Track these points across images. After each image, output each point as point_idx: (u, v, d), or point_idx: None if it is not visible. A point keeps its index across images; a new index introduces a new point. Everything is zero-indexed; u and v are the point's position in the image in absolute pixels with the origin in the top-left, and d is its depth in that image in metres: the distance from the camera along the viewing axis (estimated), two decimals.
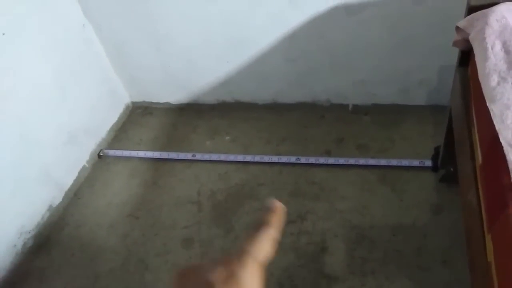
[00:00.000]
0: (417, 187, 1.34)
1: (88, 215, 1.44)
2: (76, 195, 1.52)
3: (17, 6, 1.25)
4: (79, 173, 1.55)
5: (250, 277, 0.26)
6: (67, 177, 1.51)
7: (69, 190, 1.50)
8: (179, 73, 1.69)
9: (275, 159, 1.50)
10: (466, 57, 0.92)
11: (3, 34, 1.21)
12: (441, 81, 1.48)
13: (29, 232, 1.35)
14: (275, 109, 1.71)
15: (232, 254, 0.27)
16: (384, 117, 1.60)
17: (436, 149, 1.34)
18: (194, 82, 1.72)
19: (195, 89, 1.75)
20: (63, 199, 1.47)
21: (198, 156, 1.56)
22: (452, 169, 1.25)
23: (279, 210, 0.30)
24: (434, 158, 1.35)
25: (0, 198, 1.24)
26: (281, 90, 1.67)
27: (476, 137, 0.76)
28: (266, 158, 1.50)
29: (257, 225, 0.29)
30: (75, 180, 1.53)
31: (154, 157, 1.60)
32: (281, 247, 1.24)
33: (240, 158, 1.52)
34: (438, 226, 1.22)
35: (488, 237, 0.62)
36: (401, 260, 1.16)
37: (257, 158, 1.51)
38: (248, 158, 1.52)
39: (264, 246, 0.28)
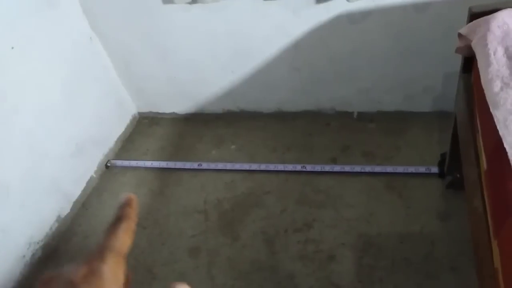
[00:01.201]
0: (424, 194, 1.33)
1: (96, 225, 1.45)
2: (84, 205, 1.53)
3: (26, 20, 1.28)
4: (87, 183, 1.57)
5: (110, 269, 0.27)
6: (75, 188, 1.52)
7: (77, 200, 1.52)
8: (185, 84, 1.71)
9: (280, 167, 1.50)
10: (469, 64, 0.92)
11: (12, 48, 1.23)
12: (446, 87, 1.48)
13: (38, 243, 1.36)
14: (280, 117, 1.72)
15: (93, 252, 0.28)
16: (389, 124, 1.60)
17: (442, 156, 1.34)
18: (200, 92, 1.74)
19: (200, 99, 1.76)
20: (71, 209, 1.49)
21: (204, 165, 1.57)
22: (458, 175, 1.24)
23: (132, 202, 0.32)
24: (441, 164, 1.35)
25: (10, 209, 1.26)
26: (286, 98, 1.68)
27: (480, 142, 0.76)
28: (271, 167, 1.51)
29: (114, 220, 0.30)
30: (83, 191, 1.54)
31: (160, 166, 1.62)
32: (288, 255, 1.24)
33: (246, 166, 1.53)
34: (446, 233, 1.21)
35: (494, 243, 0.62)
36: (409, 268, 1.15)
37: (263, 167, 1.51)
38: (254, 166, 1.52)
39: (122, 238, 0.29)
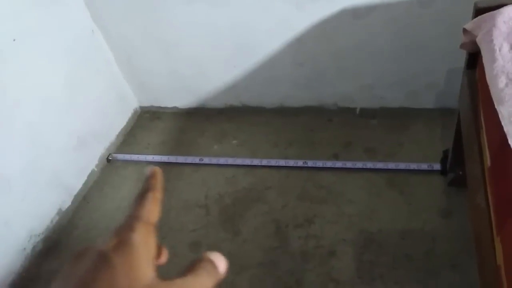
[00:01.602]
0: (425, 191, 1.33)
1: (97, 219, 1.46)
2: (85, 199, 1.53)
3: (27, 12, 1.28)
4: (88, 177, 1.57)
5: (140, 238, 0.26)
6: (77, 181, 1.52)
7: (78, 194, 1.52)
8: (187, 78, 1.71)
9: (282, 162, 1.50)
10: (474, 60, 0.91)
11: (14, 40, 1.23)
12: (449, 83, 1.47)
13: (39, 236, 1.36)
14: (283, 113, 1.71)
15: (121, 223, 0.28)
16: (392, 120, 1.59)
17: (445, 153, 1.33)
18: (202, 86, 1.73)
19: (203, 93, 1.76)
20: (72, 202, 1.49)
21: (206, 160, 1.57)
22: (461, 173, 1.24)
23: (157, 173, 0.32)
24: (443, 161, 1.34)
25: (11, 201, 1.26)
26: (288, 94, 1.67)
27: (484, 139, 0.76)
28: (273, 162, 1.50)
29: (140, 192, 0.30)
30: (84, 184, 1.54)
31: (162, 161, 1.61)
32: (289, 250, 1.23)
33: (247, 162, 1.53)
34: (447, 230, 1.20)
35: (497, 240, 0.62)
36: (410, 264, 1.15)
37: (265, 162, 1.51)
38: (256, 162, 1.52)
39: (150, 208, 0.29)
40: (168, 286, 0.26)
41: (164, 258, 0.30)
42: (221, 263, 0.30)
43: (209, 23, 1.47)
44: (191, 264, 0.28)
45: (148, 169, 0.32)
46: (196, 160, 1.58)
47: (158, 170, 0.32)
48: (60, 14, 1.40)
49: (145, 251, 0.26)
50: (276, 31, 1.45)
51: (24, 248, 1.31)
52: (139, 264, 0.25)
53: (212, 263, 0.29)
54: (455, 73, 1.35)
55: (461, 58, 1.00)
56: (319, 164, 1.46)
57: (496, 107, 0.67)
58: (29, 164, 1.31)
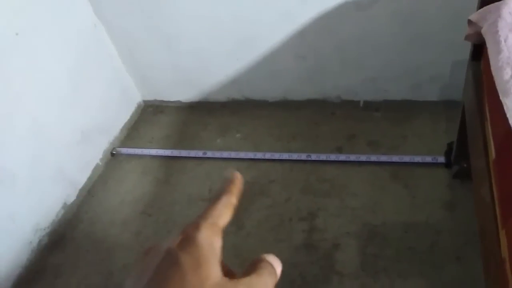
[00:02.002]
0: (430, 183, 1.32)
1: (102, 213, 1.46)
2: (90, 193, 1.54)
3: (30, 7, 1.27)
4: (92, 171, 1.57)
5: (205, 238, 0.26)
6: (81, 175, 1.53)
7: (83, 188, 1.53)
8: (190, 72, 1.70)
9: (285, 156, 1.50)
10: (479, 51, 0.90)
11: (17, 34, 1.23)
12: (454, 76, 1.46)
13: (44, 229, 1.37)
14: (286, 106, 1.71)
15: (190, 222, 0.28)
16: (395, 113, 1.58)
17: (449, 145, 1.33)
18: (205, 80, 1.73)
19: (205, 87, 1.75)
20: (77, 197, 1.50)
21: (209, 154, 1.57)
22: (465, 165, 1.23)
23: (236, 180, 0.32)
24: (447, 154, 1.33)
25: (16, 196, 1.27)
26: (291, 87, 1.67)
27: (489, 131, 0.75)
28: (276, 155, 1.50)
29: (216, 195, 0.30)
30: (88, 178, 1.55)
31: (165, 155, 1.62)
32: (292, 243, 1.24)
33: (250, 155, 1.53)
34: (452, 223, 1.20)
35: (502, 233, 0.62)
36: (414, 257, 1.15)
37: (268, 155, 1.51)
38: (259, 155, 1.52)
39: (221, 211, 0.29)
40: (236, 285, 0.26)
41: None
42: (278, 265, 0.29)
43: (212, 16, 1.46)
44: (252, 264, 0.28)
45: (230, 172, 0.32)
46: (199, 154, 1.58)
47: (239, 176, 0.32)
48: (62, 8, 1.40)
49: (210, 250, 0.26)
50: (279, 24, 1.44)
51: (30, 242, 1.32)
52: (207, 263, 0.25)
53: (271, 265, 0.29)
54: (459, 65, 1.34)
55: (466, 50, 0.99)
56: (323, 157, 1.46)
57: (501, 99, 0.66)
58: (34, 158, 1.32)
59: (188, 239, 0.26)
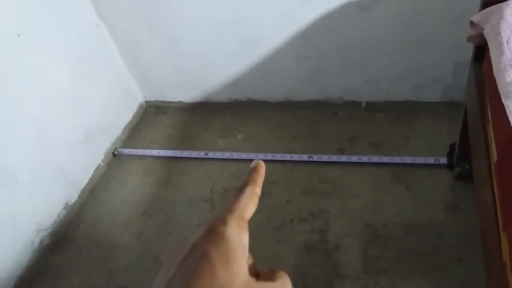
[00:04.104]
0: (432, 185, 1.32)
1: (103, 213, 1.47)
2: (92, 193, 1.55)
3: (32, 8, 1.28)
4: (94, 171, 1.57)
5: (233, 231, 0.26)
6: (83, 176, 1.53)
7: (85, 188, 1.53)
8: (192, 72, 1.70)
9: (287, 157, 1.49)
10: (481, 53, 0.90)
11: (19, 35, 1.23)
12: (456, 77, 1.45)
13: (46, 230, 1.37)
14: (287, 107, 1.71)
15: (216, 216, 0.27)
16: (398, 114, 1.58)
17: (452, 146, 1.32)
18: (207, 81, 1.73)
19: (207, 88, 1.75)
20: (79, 197, 1.50)
21: (211, 155, 1.57)
22: (468, 167, 1.23)
23: (260, 167, 0.31)
24: (450, 155, 1.33)
25: (18, 196, 1.27)
26: (293, 88, 1.66)
27: (491, 134, 0.75)
28: (278, 156, 1.50)
29: (241, 185, 0.30)
30: (90, 179, 1.55)
31: (167, 155, 1.62)
32: (294, 245, 1.24)
33: (252, 156, 1.53)
34: (454, 225, 1.20)
35: (503, 236, 0.61)
36: (416, 259, 1.14)
37: (269, 156, 1.51)
38: (260, 156, 1.52)
39: (246, 203, 0.29)
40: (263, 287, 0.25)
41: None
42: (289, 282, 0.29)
43: (214, 18, 1.46)
44: (272, 271, 0.28)
45: (253, 162, 0.32)
46: (201, 154, 1.58)
47: (261, 164, 0.32)
48: (64, 9, 1.41)
49: (239, 247, 0.26)
50: (281, 24, 1.44)
51: (32, 242, 1.33)
52: (236, 259, 0.25)
53: (287, 278, 0.28)
54: (462, 66, 1.33)
55: (468, 51, 0.98)
56: (324, 158, 1.46)
57: (503, 101, 0.66)
58: (36, 159, 1.32)
59: (216, 233, 0.25)
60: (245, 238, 0.27)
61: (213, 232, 0.26)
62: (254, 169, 0.31)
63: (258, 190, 0.30)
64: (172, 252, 0.26)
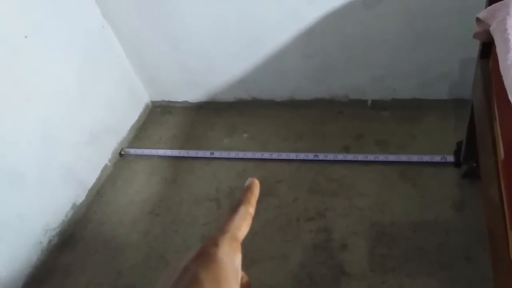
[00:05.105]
0: (439, 183, 1.31)
1: (111, 213, 1.48)
2: (99, 193, 1.56)
3: (38, 9, 1.29)
4: (101, 171, 1.59)
5: (224, 252, 0.26)
6: (90, 176, 1.55)
7: (92, 188, 1.54)
8: (197, 72, 1.71)
9: (293, 156, 1.49)
10: (488, 49, 0.89)
11: (26, 37, 1.24)
12: (463, 74, 1.44)
13: (54, 230, 1.39)
14: (293, 106, 1.70)
15: (207, 236, 0.27)
16: (404, 112, 1.57)
17: (459, 144, 1.31)
18: (212, 80, 1.73)
19: (212, 87, 1.76)
20: (86, 197, 1.51)
21: (217, 154, 1.57)
22: (475, 165, 1.22)
23: (254, 186, 0.31)
24: (457, 153, 1.32)
25: (26, 196, 1.28)
26: (298, 86, 1.66)
27: (498, 131, 0.74)
28: (284, 155, 1.50)
29: (235, 205, 0.30)
30: (97, 179, 1.57)
31: (173, 155, 1.63)
32: (300, 244, 1.24)
33: (258, 155, 1.53)
34: (461, 223, 1.19)
35: (510, 234, 0.61)
36: (423, 257, 1.14)
37: (275, 155, 1.51)
38: (266, 155, 1.52)
39: (239, 223, 0.29)
40: None
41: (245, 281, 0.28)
42: None
43: (218, 17, 1.47)
44: None
45: (248, 180, 0.31)
46: (207, 154, 1.58)
47: (256, 182, 0.31)
48: (70, 10, 1.42)
49: (231, 268, 0.26)
50: (285, 23, 1.44)
51: (40, 242, 1.34)
52: (226, 281, 0.25)
53: None
54: (468, 63, 1.32)
55: (475, 48, 0.98)
56: (330, 157, 1.46)
57: (509, 98, 0.65)
58: (43, 159, 1.33)
59: (207, 255, 0.25)
60: (237, 259, 0.27)
61: (204, 255, 0.26)
62: (248, 188, 0.31)
63: (251, 210, 0.30)
64: (165, 276, 0.26)
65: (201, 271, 0.24)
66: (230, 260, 0.26)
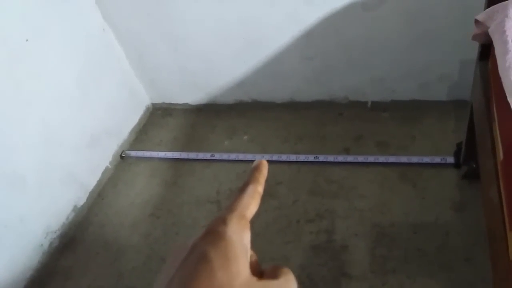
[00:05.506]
0: (439, 184, 1.31)
1: (111, 215, 1.48)
2: (100, 195, 1.56)
3: (39, 13, 1.30)
4: (102, 174, 1.59)
5: (235, 233, 0.26)
6: (91, 178, 1.55)
7: (93, 190, 1.54)
8: (197, 74, 1.71)
9: (293, 157, 1.50)
10: (486, 51, 0.90)
11: (27, 40, 1.25)
12: (462, 75, 1.44)
13: (55, 232, 1.39)
14: (293, 107, 1.71)
15: (216, 215, 0.27)
16: (403, 113, 1.57)
17: (458, 145, 1.32)
18: (212, 82, 1.74)
19: (213, 89, 1.76)
20: (87, 199, 1.51)
21: (217, 156, 1.58)
22: (474, 166, 1.22)
23: (262, 166, 0.31)
24: (456, 154, 1.32)
25: (27, 199, 1.29)
26: (298, 88, 1.67)
27: (497, 132, 0.74)
28: (284, 157, 1.50)
29: (243, 185, 0.30)
30: (98, 181, 1.57)
31: (174, 157, 1.63)
32: (300, 245, 1.24)
33: (258, 157, 1.53)
34: (461, 224, 1.19)
35: (510, 235, 0.61)
36: (423, 259, 1.14)
37: (275, 157, 1.51)
38: (266, 157, 1.52)
39: (248, 201, 0.28)
40: (265, 287, 0.25)
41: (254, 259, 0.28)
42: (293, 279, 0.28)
43: (218, 19, 1.47)
44: (275, 268, 0.27)
45: (256, 161, 0.31)
46: (207, 156, 1.59)
47: (264, 162, 0.31)
48: (71, 13, 1.42)
49: (239, 246, 0.25)
50: (285, 25, 1.44)
51: (42, 245, 1.34)
52: (236, 259, 0.24)
53: (291, 274, 0.28)
54: (468, 64, 1.32)
55: (474, 49, 0.98)
56: (330, 158, 1.46)
57: (508, 99, 0.66)
58: (44, 162, 1.34)
59: (215, 233, 0.25)
60: (246, 237, 0.27)
61: (212, 232, 0.25)
62: (256, 168, 0.31)
63: (260, 189, 0.30)
64: (173, 255, 0.26)
65: (210, 249, 0.24)
66: (239, 238, 0.26)
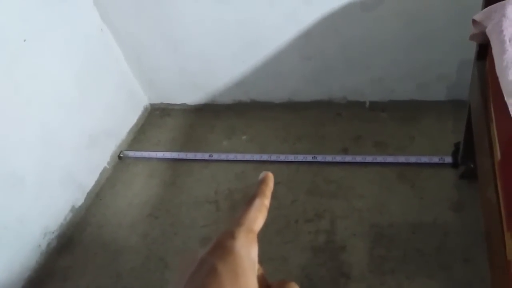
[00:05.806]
0: (437, 184, 1.31)
1: (110, 216, 1.48)
2: (98, 196, 1.56)
3: (37, 13, 1.29)
4: (100, 174, 1.59)
5: (241, 244, 0.26)
6: (89, 179, 1.55)
7: (91, 191, 1.54)
8: (196, 74, 1.71)
9: (291, 157, 1.50)
10: (484, 51, 0.90)
11: (25, 40, 1.25)
12: (461, 75, 1.45)
13: (53, 233, 1.39)
14: (291, 107, 1.71)
15: (224, 229, 0.27)
16: (402, 113, 1.57)
17: (456, 145, 1.32)
18: (211, 82, 1.74)
19: (211, 89, 1.76)
20: (85, 200, 1.51)
21: (215, 156, 1.58)
22: (472, 166, 1.22)
23: (269, 179, 0.31)
24: (454, 154, 1.32)
25: (25, 199, 1.28)
26: (297, 88, 1.67)
27: (494, 132, 0.74)
28: (282, 157, 1.50)
29: (250, 198, 0.30)
30: (96, 182, 1.57)
31: (172, 157, 1.63)
32: (299, 245, 1.24)
33: (256, 157, 1.53)
34: (459, 224, 1.19)
35: (507, 235, 0.61)
36: (421, 259, 1.14)
37: (274, 157, 1.51)
38: (265, 157, 1.52)
39: (255, 215, 0.28)
40: None
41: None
42: None
43: (216, 19, 1.47)
44: (282, 283, 0.28)
45: (262, 173, 0.31)
46: (205, 156, 1.59)
47: (270, 175, 0.31)
48: (69, 14, 1.42)
49: (248, 260, 0.25)
50: (284, 25, 1.44)
51: (39, 245, 1.34)
52: (244, 273, 0.24)
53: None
54: (466, 64, 1.32)
55: (472, 49, 0.98)
56: (329, 158, 1.46)
57: (506, 100, 0.66)
58: (42, 162, 1.33)
59: (224, 247, 0.25)
60: (254, 251, 0.27)
61: (221, 246, 0.25)
62: (263, 181, 0.31)
63: (267, 202, 0.30)
64: (181, 268, 0.26)
65: (219, 263, 0.24)
66: (247, 252, 0.26)
